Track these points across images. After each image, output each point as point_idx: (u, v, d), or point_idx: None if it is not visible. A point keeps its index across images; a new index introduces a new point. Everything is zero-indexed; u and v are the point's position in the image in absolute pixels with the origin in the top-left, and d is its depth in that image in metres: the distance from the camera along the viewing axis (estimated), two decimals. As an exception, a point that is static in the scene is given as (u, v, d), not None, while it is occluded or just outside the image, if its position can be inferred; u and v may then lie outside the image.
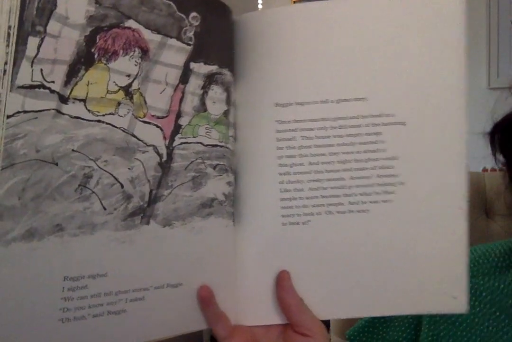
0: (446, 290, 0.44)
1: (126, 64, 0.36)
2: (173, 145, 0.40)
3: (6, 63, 0.31)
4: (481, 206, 0.99)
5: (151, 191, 0.39)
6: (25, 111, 0.32)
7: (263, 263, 0.46)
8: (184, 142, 0.40)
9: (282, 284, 0.45)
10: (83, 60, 0.34)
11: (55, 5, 0.32)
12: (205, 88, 0.41)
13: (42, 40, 0.32)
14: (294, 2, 3.03)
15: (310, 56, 0.43)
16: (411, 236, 0.44)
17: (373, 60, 0.43)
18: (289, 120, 0.44)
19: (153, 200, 0.40)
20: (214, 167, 0.43)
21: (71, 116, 0.34)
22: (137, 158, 0.38)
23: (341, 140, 0.43)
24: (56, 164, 0.34)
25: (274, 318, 0.46)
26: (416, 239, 0.44)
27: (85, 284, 0.37)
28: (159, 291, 0.41)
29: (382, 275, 0.45)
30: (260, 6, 2.76)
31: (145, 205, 0.39)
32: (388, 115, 0.43)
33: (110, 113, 0.36)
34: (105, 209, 0.37)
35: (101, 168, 0.36)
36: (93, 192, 0.36)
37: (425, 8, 0.42)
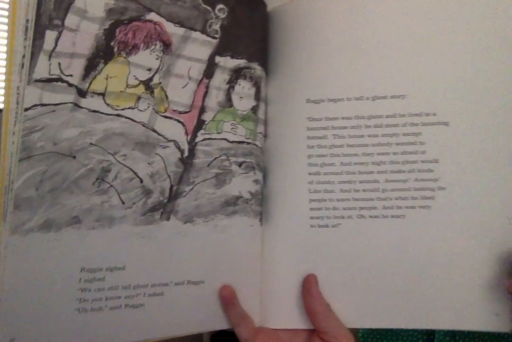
0: (488, 307, 0.40)
1: (147, 58, 0.35)
2: (196, 141, 0.39)
3: (24, 56, 0.32)
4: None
5: (171, 187, 0.39)
6: (43, 105, 0.32)
7: (290, 265, 0.44)
8: (208, 138, 0.40)
9: (309, 290, 0.43)
10: (102, 53, 0.34)
11: (73, -1, 0.32)
12: (231, 83, 0.40)
13: (60, 33, 0.32)
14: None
15: (346, 50, 0.41)
16: (451, 246, 0.40)
17: (416, 55, 0.40)
18: (320, 118, 0.42)
19: (173, 195, 0.39)
20: (240, 164, 0.42)
21: (89, 110, 0.34)
22: (157, 154, 0.37)
23: (376, 140, 0.41)
24: (74, 157, 0.34)
25: (300, 322, 0.44)
26: (457, 250, 0.40)
27: (103, 276, 0.37)
28: (179, 287, 0.41)
29: (417, 286, 0.41)
30: None
31: (165, 201, 0.39)
32: (429, 114, 0.40)
33: (129, 108, 0.36)
34: (123, 203, 0.37)
35: (119, 162, 0.36)
36: (111, 186, 0.36)
37: (478, 2, 0.38)
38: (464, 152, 0.39)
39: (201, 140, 0.39)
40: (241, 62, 0.40)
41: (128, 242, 0.38)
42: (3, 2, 1.43)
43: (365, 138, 0.41)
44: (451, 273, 0.41)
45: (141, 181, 0.37)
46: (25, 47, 0.31)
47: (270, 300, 0.45)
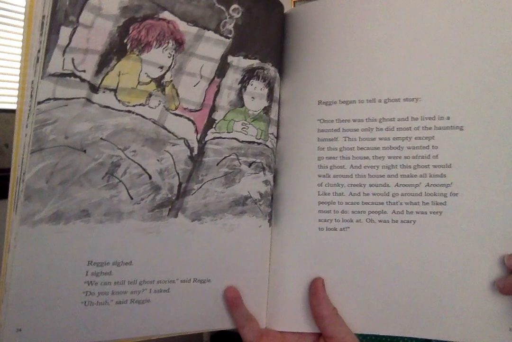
0: (501, 320, 0.39)
1: (159, 55, 0.36)
2: (206, 139, 0.39)
3: (39, 51, 0.33)
4: None
5: (180, 184, 0.39)
6: (56, 99, 0.33)
7: (297, 267, 0.44)
8: (218, 137, 0.40)
9: (315, 293, 0.43)
10: (115, 50, 0.34)
11: (89, -4, 0.33)
12: (243, 82, 0.40)
13: (74, 30, 0.33)
14: (294, 2, 2.93)
15: (360, 52, 0.41)
16: (462, 254, 0.39)
17: (431, 58, 0.39)
18: (332, 120, 0.42)
19: (182, 193, 0.39)
20: (250, 164, 0.42)
21: (100, 105, 0.35)
22: (166, 151, 0.38)
23: (388, 144, 0.40)
24: (85, 151, 0.35)
25: (306, 326, 0.44)
26: (468, 258, 0.39)
27: (109, 270, 0.38)
28: (185, 285, 0.41)
29: (426, 294, 0.40)
30: None
31: (174, 198, 0.39)
32: (443, 118, 0.39)
33: (140, 104, 0.36)
34: (132, 198, 0.37)
35: (129, 158, 0.37)
36: (120, 181, 0.37)
37: (495, 4, 0.38)
38: (478, 158, 0.38)
39: (211, 139, 0.40)
40: (255, 62, 0.40)
41: (136, 237, 0.38)
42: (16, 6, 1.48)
43: (376, 141, 0.40)
44: (462, 281, 0.40)
45: (150, 177, 0.38)
46: (40, 42, 0.32)
47: (277, 302, 0.45)
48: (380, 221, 0.41)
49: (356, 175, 0.41)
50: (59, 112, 0.34)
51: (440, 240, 0.40)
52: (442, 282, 0.40)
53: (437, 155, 0.39)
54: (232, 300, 0.43)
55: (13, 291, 0.34)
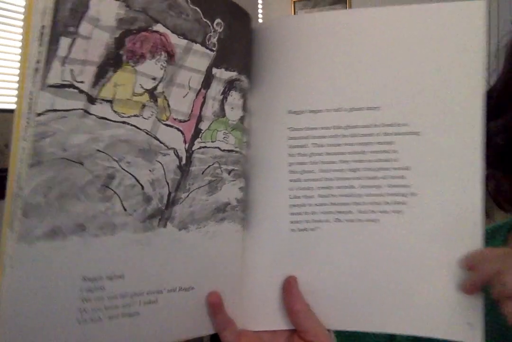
0: (460, 315, 0.42)
1: (152, 67, 0.36)
2: (193, 149, 0.40)
3: (38, 62, 0.32)
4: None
5: (169, 194, 0.40)
6: (55, 110, 0.32)
7: (271, 268, 0.46)
8: (203, 147, 0.41)
9: (289, 290, 0.45)
10: (112, 62, 0.34)
11: (88, 7, 0.32)
12: (225, 94, 0.42)
13: (73, 41, 0.32)
14: (294, 2, 3.07)
15: (324, 65, 0.44)
16: (423, 251, 0.43)
17: (389, 69, 0.43)
18: (301, 128, 0.44)
19: (171, 202, 0.40)
20: (229, 172, 0.43)
21: (97, 117, 0.34)
22: (158, 161, 0.38)
23: (352, 149, 0.44)
24: (82, 164, 0.34)
25: (280, 323, 0.46)
26: (428, 254, 0.43)
27: (102, 285, 0.37)
28: (171, 294, 0.41)
29: (390, 291, 0.43)
30: (260, 6, 2.82)
31: (163, 208, 0.39)
32: (401, 124, 0.43)
33: (135, 115, 0.36)
34: (125, 210, 0.37)
35: (123, 169, 0.36)
36: (115, 193, 0.36)
37: (443, 17, 0.42)
38: (435, 160, 0.43)
39: (198, 149, 0.41)
40: (233, 74, 0.42)
41: (128, 249, 0.38)
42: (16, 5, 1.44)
43: (342, 146, 0.44)
44: (422, 278, 0.43)
45: (142, 188, 0.38)
46: (39, 52, 0.31)
47: (251, 303, 0.46)
48: (347, 220, 0.44)
49: (324, 178, 0.44)
50: (58, 124, 0.33)
51: (402, 237, 0.43)
52: (406, 278, 0.43)
53: (396, 159, 0.43)
54: (215, 305, 0.44)
55: (7, 311, 0.32)
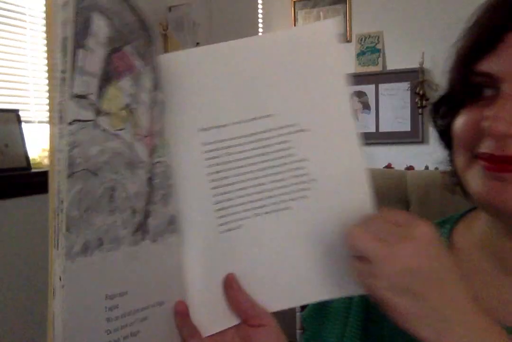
0: (347, 275, 0.49)
1: (127, 84, 0.38)
2: (153, 162, 0.43)
3: (63, 71, 0.31)
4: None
5: (145, 206, 0.41)
6: (79, 120, 0.32)
7: (209, 271, 0.49)
8: (159, 162, 0.44)
9: (230, 285, 0.49)
10: (106, 76, 0.36)
11: (91, 22, 0.34)
12: (163, 112, 0.45)
13: (86, 52, 0.33)
14: (294, 2, 2.84)
15: (222, 87, 0.51)
16: (331, 225, 0.51)
17: (274, 86, 0.53)
18: (213, 142, 0.50)
19: (146, 215, 0.41)
20: (171, 185, 0.46)
21: (101, 129, 0.35)
22: (138, 174, 0.40)
23: (257, 152, 0.51)
24: (96, 175, 0.34)
25: (227, 321, 0.50)
26: (337, 228, 0.50)
27: (117, 303, 0.36)
28: (154, 309, 0.42)
29: (310, 265, 0.51)
30: (260, 6, 2.66)
31: (143, 220, 0.40)
32: (291, 125, 0.52)
33: (121, 129, 0.38)
34: (122, 222, 0.37)
35: (121, 181, 0.37)
36: (117, 205, 0.36)
37: (302, 37, 0.52)
38: (323, 149, 0.52)
39: (156, 163, 0.43)
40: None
41: (127, 264, 0.38)
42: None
43: (249, 151, 0.51)
44: (333, 250, 0.50)
45: (131, 200, 0.38)
46: (64, 62, 0.31)
47: (196, 310, 0.49)
48: (265, 213, 0.51)
49: (240, 181, 0.51)
50: (81, 135, 0.32)
51: (313, 218, 0.52)
52: (321, 252, 0.51)
53: (293, 154, 0.52)
54: (183, 314, 0.45)
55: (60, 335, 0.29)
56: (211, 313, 0.49)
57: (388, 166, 2.84)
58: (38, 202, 1.74)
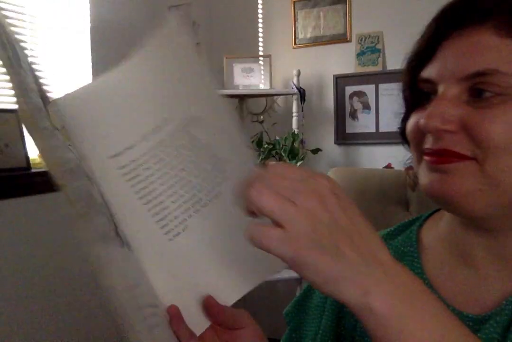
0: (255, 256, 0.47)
1: None
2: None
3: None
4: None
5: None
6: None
7: (172, 281, 0.50)
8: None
9: (210, 307, 0.49)
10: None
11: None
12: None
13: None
14: (294, 2, 2.85)
15: (117, 115, 0.52)
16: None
17: (156, 95, 0.54)
18: (127, 164, 0.51)
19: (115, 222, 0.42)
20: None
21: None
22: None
23: (172, 155, 0.52)
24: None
25: (202, 324, 0.50)
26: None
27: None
28: (152, 310, 0.43)
29: (248, 253, 0.47)
30: (260, 6, 2.69)
31: (115, 227, 0.41)
32: (186, 118, 0.52)
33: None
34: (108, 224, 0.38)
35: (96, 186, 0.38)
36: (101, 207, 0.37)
37: (164, 43, 0.53)
38: (218, 131, 0.53)
39: None
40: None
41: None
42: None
43: (164, 159, 0.51)
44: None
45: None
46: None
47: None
48: (202, 206, 0.51)
49: (167, 188, 0.51)
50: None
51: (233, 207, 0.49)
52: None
53: (202, 143, 0.52)
54: (176, 316, 0.46)
55: None
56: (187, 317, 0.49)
57: (388, 166, 2.84)
58: (38, 202, 1.76)
